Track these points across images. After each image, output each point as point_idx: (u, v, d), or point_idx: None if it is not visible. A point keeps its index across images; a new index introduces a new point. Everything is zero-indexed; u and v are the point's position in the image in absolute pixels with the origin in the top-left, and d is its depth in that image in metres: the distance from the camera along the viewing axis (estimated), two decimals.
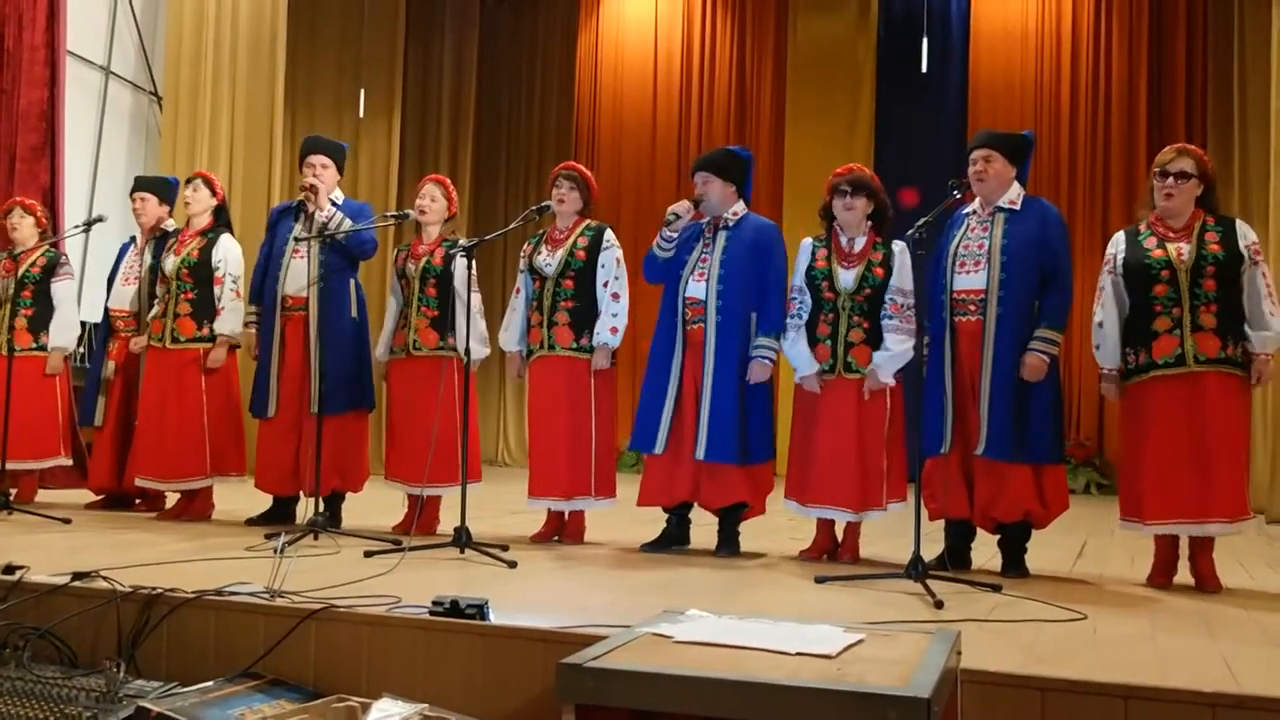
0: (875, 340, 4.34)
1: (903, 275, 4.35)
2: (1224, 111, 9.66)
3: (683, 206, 4.56)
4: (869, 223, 4.45)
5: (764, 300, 4.53)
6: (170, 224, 5.83)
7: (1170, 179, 3.96)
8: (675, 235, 4.57)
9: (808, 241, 4.55)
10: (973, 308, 4.14)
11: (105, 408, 5.69)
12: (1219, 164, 4.17)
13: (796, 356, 4.45)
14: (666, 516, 4.72)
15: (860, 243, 4.42)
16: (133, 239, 5.94)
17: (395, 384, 5.07)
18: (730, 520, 4.62)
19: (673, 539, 4.67)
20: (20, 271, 5.79)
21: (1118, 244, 4.13)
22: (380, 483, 5.08)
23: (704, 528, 4.80)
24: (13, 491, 5.61)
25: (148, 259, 5.71)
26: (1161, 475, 3.89)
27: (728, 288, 4.52)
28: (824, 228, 4.52)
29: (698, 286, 4.57)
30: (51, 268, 5.90)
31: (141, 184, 5.93)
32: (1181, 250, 3.92)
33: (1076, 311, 8.69)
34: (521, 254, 4.98)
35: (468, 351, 4.57)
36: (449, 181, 5.25)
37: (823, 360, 4.39)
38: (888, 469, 4.34)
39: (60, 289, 5.90)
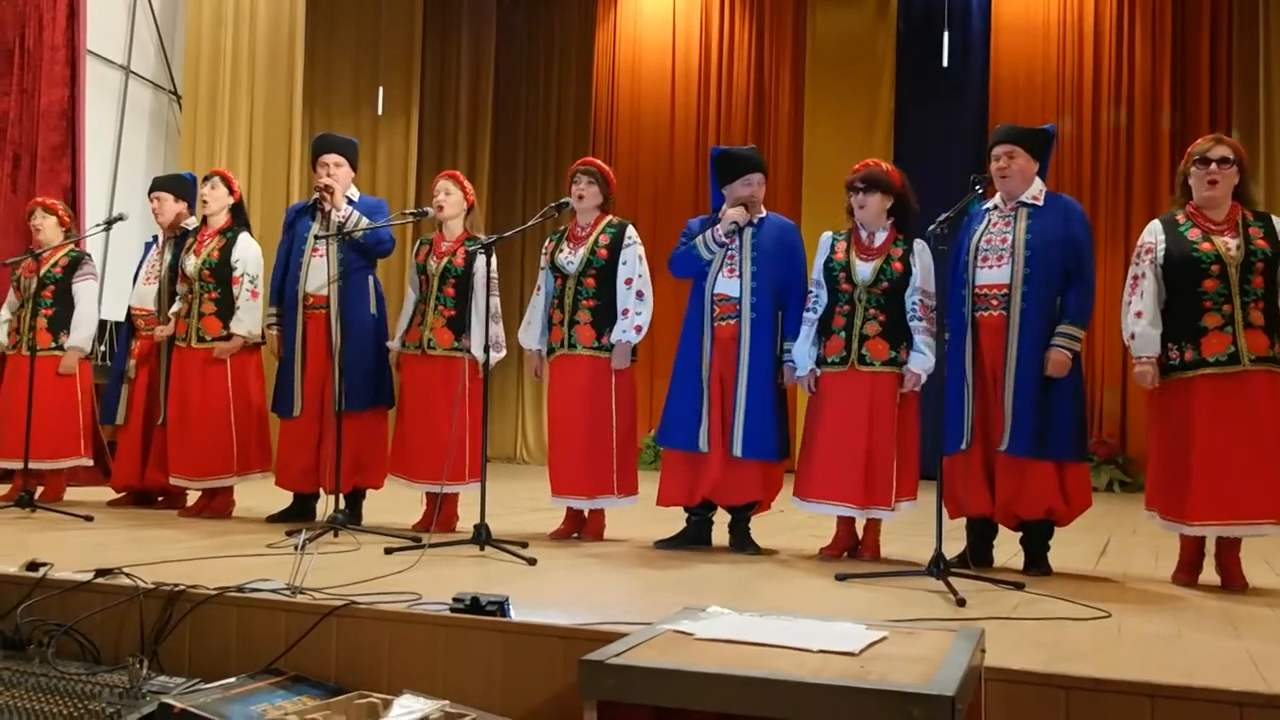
0: (891, 335, 4.31)
1: (926, 276, 4.32)
2: (1249, 105, 9.58)
3: (741, 215, 4.54)
4: (890, 219, 4.42)
5: (790, 301, 4.57)
6: (191, 222, 5.86)
7: (1213, 165, 3.87)
8: (729, 243, 4.56)
9: (827, 235, 4.53)
10: (995, 302, 4.11)
11: (128, 406, 5.72)
12: None
13: (799, 354, 4.47)
14: (687, 515, 4.71)
15: (881, 237, 4.40)
16: (155, 238, 5.97)
17: (407, 381, 5.06)
18: (744, 518, 4.63)
19: (692, 538, 4.67)
20: (42, 271, 5.81)
21: (1156, 233, 4.01)
22: (396, 480, 5.07)
23: (718, 526, 4.79)
24: (39, 490, 5.66)
25: (167, 257, 5.74)
26: (1211, 476, 3.77)
27: (760, 284, 4.54)
28: (849, 223, 4.51)
29: (729, 283, 4.57)
30: (74, 267, 5.93)
31: (158, 184, 5.94)
32: (1229, 245, 3.84)
33: (1098, 307, 8.67)
34: (543, 251, 4.98)
35: (486, 349, 4.57)
36: (461, 175, 5.25)
37: (836, 352, 4.37)
38: (897, 467, 4.28)
39: (81, 288, 5.92)
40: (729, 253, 4.59)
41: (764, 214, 4.65)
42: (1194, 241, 3.89)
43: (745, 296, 4.53)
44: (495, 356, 4.94)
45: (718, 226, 4.55)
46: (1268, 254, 3.81)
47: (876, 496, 4.28)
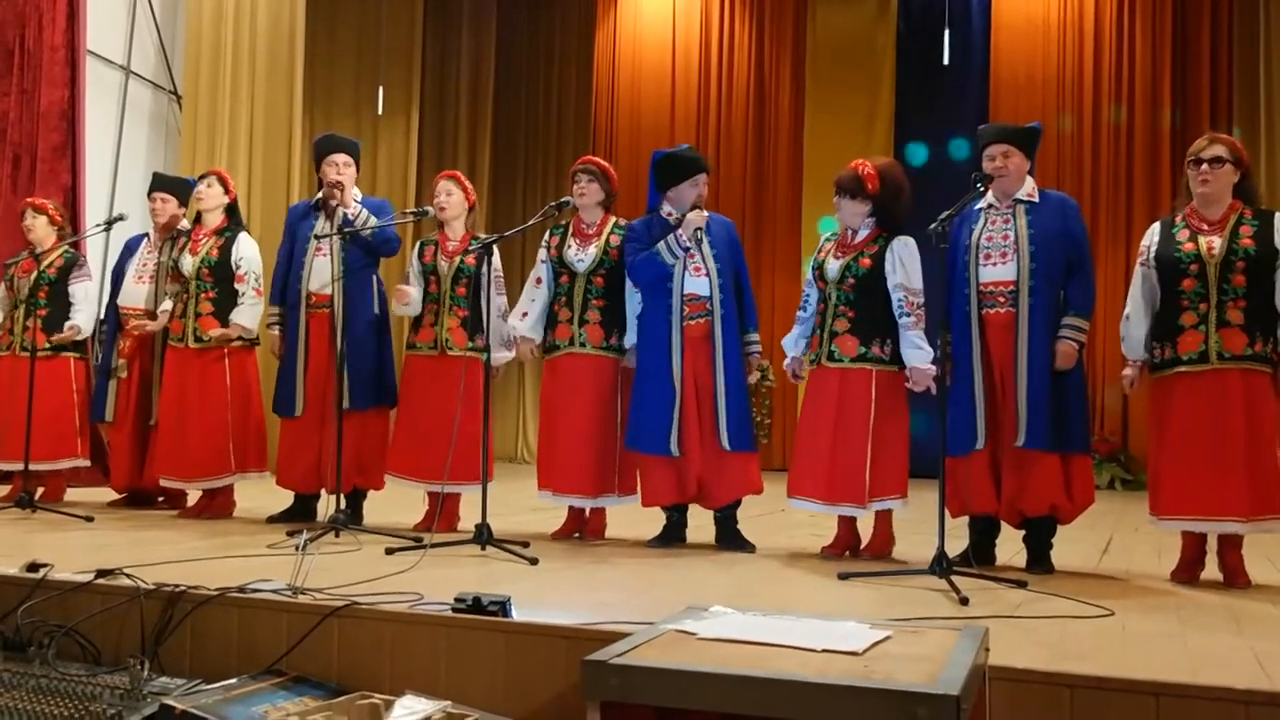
0: (861, 331, 4.31)
1: (910, 273, 4.31)
2: (1250, 102, 9.57)
3: (702, 220, 4.60)
4: (872, 219, 4.42)
5: (744, 295, 4.74)
6: (184, 224, 5.85)
7: (1205, 165, 3.89)
8: (691, 247, 4.60)
9: (824, 236, 4.61)
10: (1003, 300, 4.11)
11: (119, 405, 5.69)
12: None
13: (786, 343, 4.61)
14: (668, 513, 4.72)
15: (862, 235, 4.42)
16: (145, 235, 5.94)
17: (417, 381, 5.03)
18: (731, 515, 4.65)
19: (676, 534, 4.69)
20: (37, 272, 5.79)
21: (1152, 235, 4.08)
22: (400, 479, 5.06)
23: (703, 527, 4.78)
24: (39, 490, 5.65)
25: (162, 258, 5.72)
26: (1179, 472, 3.85)
27: (725, 281, 4.65)
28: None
29: (698, 282, 4.61)
30: (69, 269, 5.90)
31: (162, 184, 5.92)
32: (1212, 244, 3.86)
33: (1100, 305, 8.67)
34: (543, 245, 4.96)
35: (487, 348, 4.57)
36: (460, 175, 5.25)
37: (814, 349, 4.45)
38: (872, 465, 4.25)
39: (79, 290, 5.89)
40: (689, 252, 4.62)
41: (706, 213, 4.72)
42: (1179, 242, 3.93)
43: (714, 294, 4.61)
44: (505, 355, 4.96)
45: (680, 232, 4.57)
46: (1250, 253, 3.81)
47: (844, 493, 4.27)
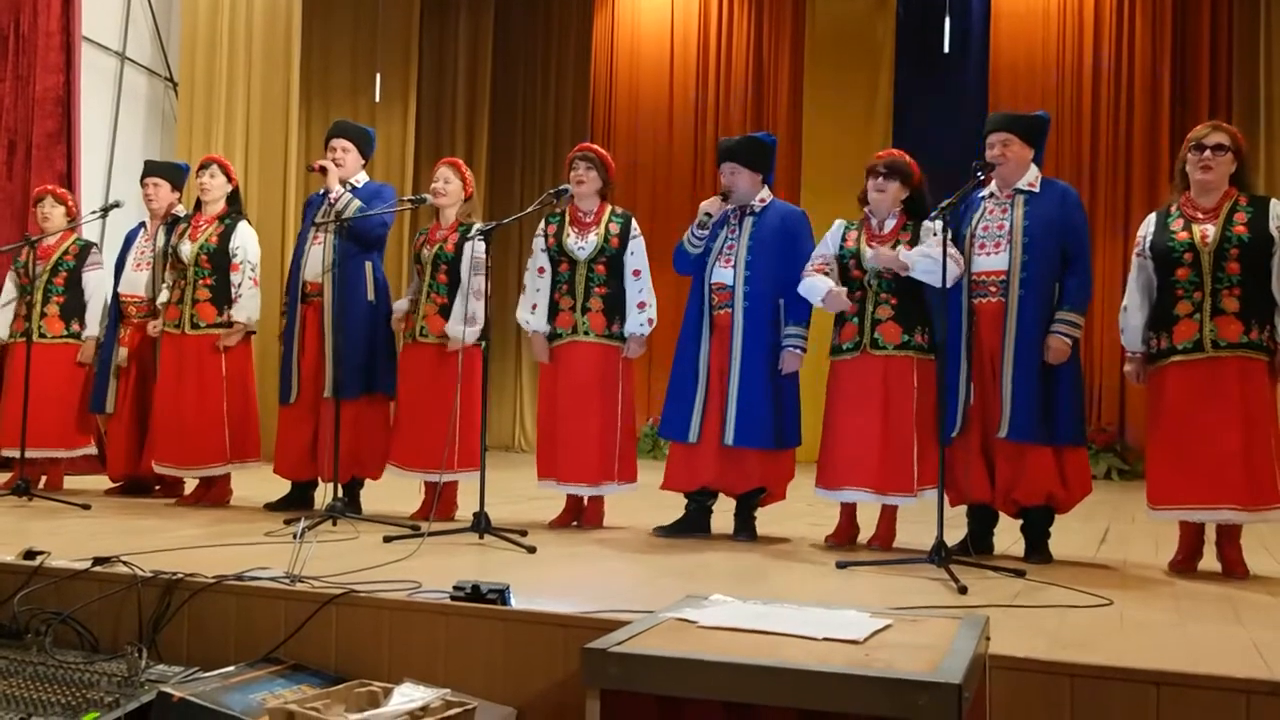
0: (903, 318, 4.28)
1: (929, 244, 4.18)
2: (1249, 92, 9.55)
3: (714, 205, 4.58)
4: (900, 208, 4.39)
5: (791, 289, 4.50)
6: (180, 209, 5.83)
7: (1207, 152, 3.87)
8: (705, 233, 4.60)
9: (840, 224, 4.50)
10: (994, 289, 4.10)
11: (118, 394, 5.69)
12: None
13: (810, 290, 4.36)
14: (686, 502, 4.71)
15: (890, 225, 4.38)
16: (142, 224, 5.93)
17: (409, 370, 5.03)
18: (747, 505, 4.63)
19: (693, 525, 4.66)
20: (53, 259, 5.81)
21: (1148, 225, 4.05)
22: (395, 469, 5.05)
23: (722, 514, 4.77)
24: (43, 479, 5.64)
25: (159, 244, 5.70)
26: (1173, 461, 3.84)
27: (755, 273, 4.54)
28: (861, 212, 4.48)
29: (724, 272, 4.57)
30: (84, 256, 5.91)
31: (153, 169, 5.92)
32: (1206, 232, 3.84)
33: (1097, 295, 8.64)
34: (539, 234, 4.94)
35: (486, 337, 4.56)
36: (463, 163, 5.21)
37: (849, 338, 4.36)
38: (919, 452, 4.23)
39: (92, 279, 5.91)
40: (728, 243, 4.60)
41: (767, 201, 4.65)
42: (1173, 231, 3.91)
43: (738, 285, 4.53)
44: (469, 331, 4.76)
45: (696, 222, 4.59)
46: (1244, 241, 3.79)
47: (895, 482, 4.24)
